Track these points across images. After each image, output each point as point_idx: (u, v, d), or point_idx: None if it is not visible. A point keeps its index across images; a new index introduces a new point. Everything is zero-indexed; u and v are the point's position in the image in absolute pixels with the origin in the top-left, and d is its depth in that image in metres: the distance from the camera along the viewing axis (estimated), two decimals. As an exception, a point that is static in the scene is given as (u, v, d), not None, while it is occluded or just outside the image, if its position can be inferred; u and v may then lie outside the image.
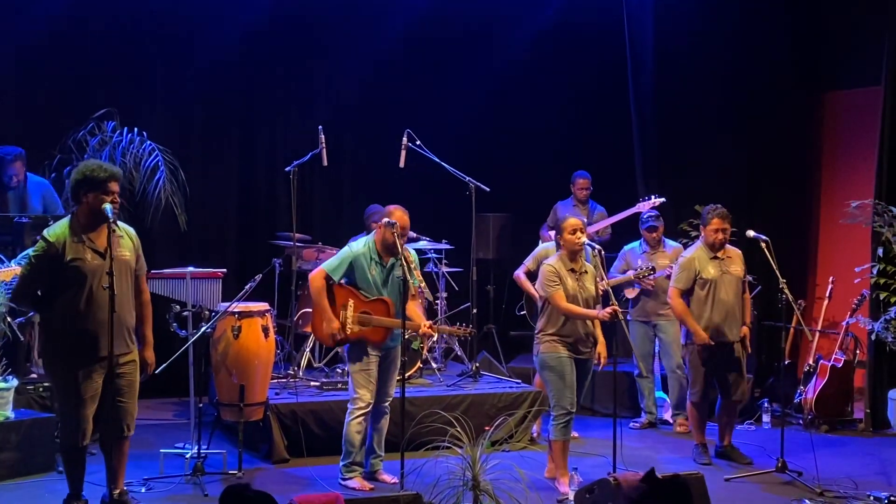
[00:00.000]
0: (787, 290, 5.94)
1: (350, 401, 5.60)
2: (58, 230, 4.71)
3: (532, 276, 6.77)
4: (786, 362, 7.36)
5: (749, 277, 6.49)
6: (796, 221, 8.70)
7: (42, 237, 4.71)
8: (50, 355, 4.80)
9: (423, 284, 5.34)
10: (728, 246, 6.29)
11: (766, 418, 7.43)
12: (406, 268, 5.38)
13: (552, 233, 7.85)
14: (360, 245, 5.54)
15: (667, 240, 7.36)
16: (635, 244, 7.37)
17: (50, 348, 4.79)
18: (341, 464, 5.66)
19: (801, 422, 7.42)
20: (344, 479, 5.62)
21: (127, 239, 4.87)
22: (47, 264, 4.65)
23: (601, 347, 5.64)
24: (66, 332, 4.66)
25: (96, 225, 4.72)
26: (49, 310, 4.73)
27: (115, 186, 4.72)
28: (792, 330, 7.78)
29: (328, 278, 5.47)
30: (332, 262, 5.47)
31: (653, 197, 7.73)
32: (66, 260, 4.64)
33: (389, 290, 5.59)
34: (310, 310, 6.55)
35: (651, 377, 7.33)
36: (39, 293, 4.74)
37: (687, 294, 6.25)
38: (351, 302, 5.45)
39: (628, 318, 7.31)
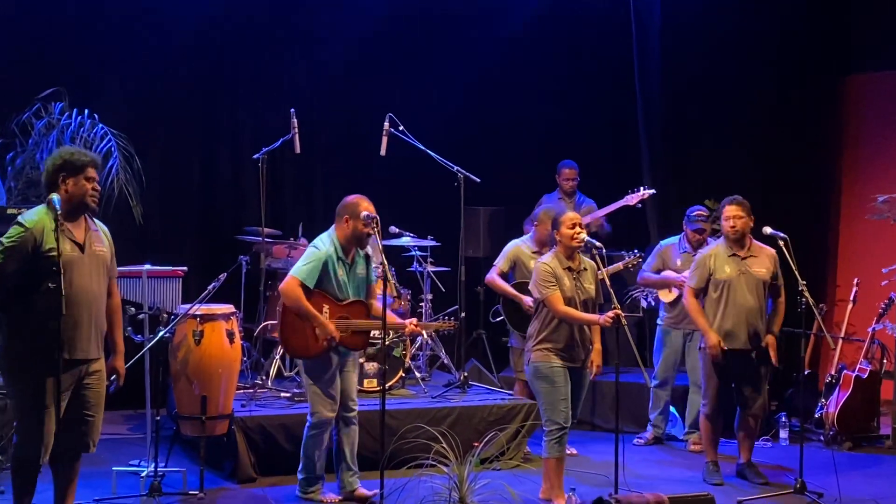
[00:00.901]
0: (806, 293, 5.95)
1: (311, 414, 5.60)
2: (35, 217, 4.62)
3: (505, 278, 6.78)
4: (805, 373, 7.38)
5: (781, 278, 6.38)
6: (817, 217, 8.75)
7: (18, 223, 4.62)
8: (14, 357, 4.62)
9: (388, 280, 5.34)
10: (758, 243, 6.27)
11: (783, 434, 7.47)
12: (366, 261, 5.40)
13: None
14: (326, 244, 5.52)
15: (711, 239, 7.22)
16: (674, 240, 7.33)
17: (16, 349, 4.60)
18: (299, 477, 5.68)
19: (821, 438, 7.45)
20: (305, 495, 5.65)
21: (103, 234, 4.83)
22: (23, 254, 4.55)
23: (595, 355, 5.64)
24: (38, 332, 4.50)
25: (76, 214, 4.67)
26: (19, 305, 4.58)
27: (94, 172, 4.69)
28: (812, 337, 7.82)
29: (303, 286, 5.43)
30: (303, 268, 5.42)
31: (642, 188, 7.79)
32: (44, 250, 4.54)
33: (355, 290, 5.58)
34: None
35: (669, 390, 7.34)
36: (9, 286, 4.56)
37: (703, 294, 6.28)
38: (326, 307, 5.45)
39: (658, 322, 7.32)
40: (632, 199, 7.72)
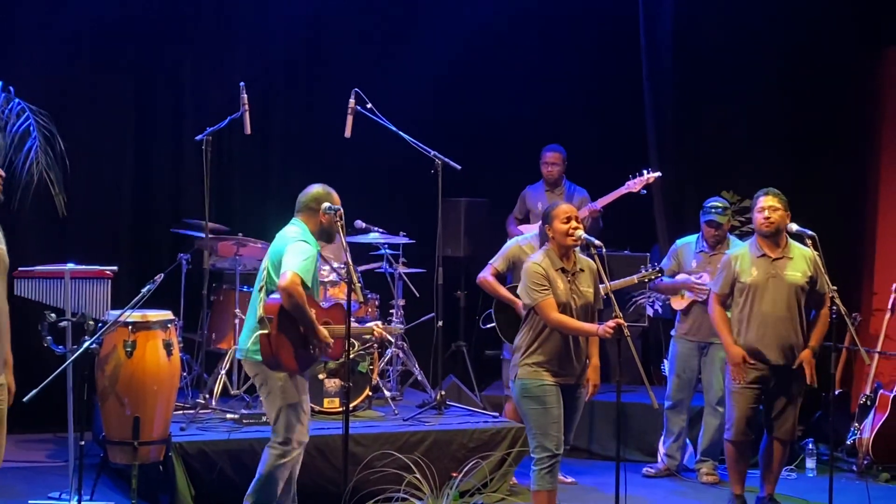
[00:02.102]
0: (838, 301, 5.96)
1: (280, 441, 5.54)
2: None
3: (502, 279, 6.77)
4: (836, 392, 7.41)
5: (827, 286, 6.27)
6: (850, 214, 8.78)
7: None
8: None
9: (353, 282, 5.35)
10: (796, 244, 6.26)
11: (810, 463, 7.51)
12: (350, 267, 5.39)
13: (526, 226, 7.86)
14: (309, 236, 5.54)
15: (735, 239, 7.27)
16: (691, 239, 7.29)
17: None
18: None
19: (854, 468, 7.50)
20: None
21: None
22: None
23: (591, 372, 5.65)
24: None
25: None
26: None
27: None
28: (844, 351, 7.85)
29: (303, 285, 5.40)
30: (303, 263, 5.39)
31: (646, 171, 7.75)
32: None
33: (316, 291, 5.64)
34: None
35: (685, 412, 7.30)
36: None
37: (729, 300, 6.31)
38: (313, 310, 5.47)
39: (672, 333, 7.33)
40: (634, 185, 7.68)
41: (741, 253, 6.31)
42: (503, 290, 6.66)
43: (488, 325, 7.05)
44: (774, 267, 6.19)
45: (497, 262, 6.76)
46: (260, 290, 5.52)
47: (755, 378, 6.21)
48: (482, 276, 6.80)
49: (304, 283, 5.34)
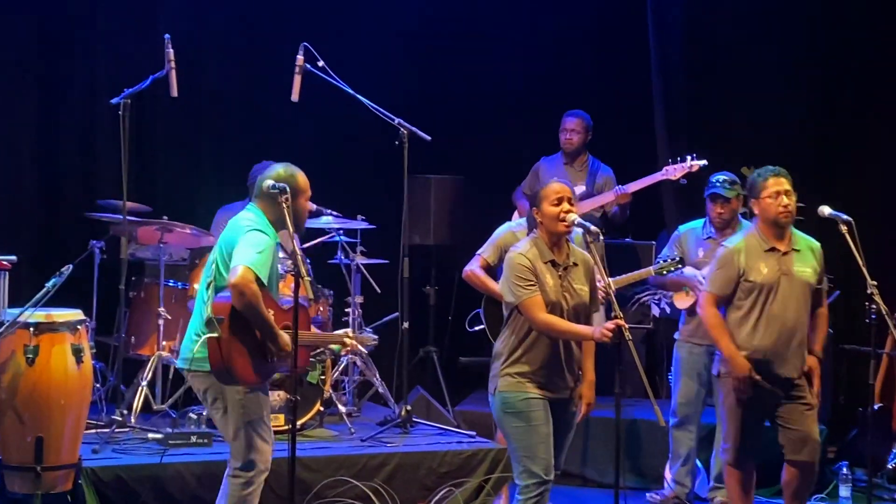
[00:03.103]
0: (878, 298, 5.97)
1: (241, 467, 5.51)
2: None
3: (492, 273, 6.75)
4: (875, 407, 7.43)
5: (826, 282, 6.42)
6: (891, 197, 8.82)
7: None
8: None
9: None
10: (798, 233, 6.30)
11: (844, 491, 7.51)
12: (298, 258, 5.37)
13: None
14: (264, 225, 5.50)
15: (746, 223, 7.17)
16: (696, 224, 7.32)
17: None
18: None
19: (896, 496, 7.55)
20: None
21: None
22: None
23: (585, 388, 5.61)
24: None
25: None
26: None
27: None
28: (885, 358, 7.86)
29: (258, 282, 5.36)
30: (258, 256, 5.36)
31: (689, 158, 7.74)
32: None
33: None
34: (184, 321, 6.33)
35: (695, 430, 7.31)
36: None
37: (727, 303, 6.28)
38: (271, 311, 5.45)
39: (675, 336, 7.33)
40: (673, 172, 7.70)
41: (743, 245, 6.25)
42: (494, 286, 6.61)
43: (476, 328, 7.06)
44: (785, 262, 6.17)
45: (486, 251, 6.75)
46: (208, 286, 5.51)
47: (761, 392, 6.19)
48: (469, 269, 6.79)
49: (258, 280, 5.33)
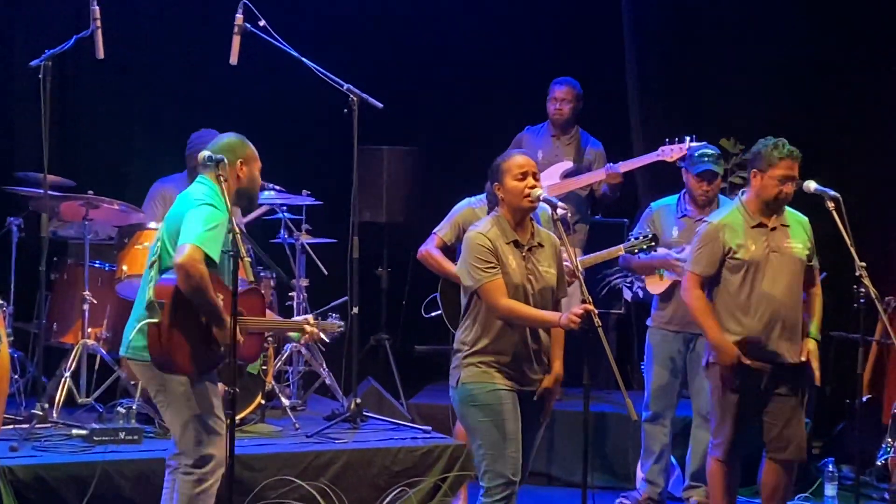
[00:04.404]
0: (867, 280, 5.99)
1: (192, 464, 5.47)
2: None
3: (451, 253, 6.74)
4: (864, 399, 7.45)
5: (816, 259, 6.42)
6: (882, 171, 8.84)
7: None
8: None
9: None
10: (788, 209, 6.29)
11: (829, 490, 7.52)
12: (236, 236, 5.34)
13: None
14: (216, 199, 5.47)
15: (726, 199, 7.25)
16: (670, 200, 7.32)
17: None
18: None
19: (886, 496, 7.52)
20: None
21: None
22: None
23: (549, 379, 5.57)
24: None
25: None
26: None
27: None
28: (875, 346, 7.90)
29: (207, 262, 5.34)
30: (207, 233, 5.33)
31: (687, 139, 7.68)
32: None
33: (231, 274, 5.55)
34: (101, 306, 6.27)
35: (669, 424, 7.32)
36: None
37: (711, 284, 6.29)
38: (221, 297, 5.42)
39: (648, 323, 7.33)
40: (669, 153, 7.66)
41: (729, 221, 6.27)
42: (452, 268, 6.60)
43: (432, 314, 7.07)
44: (774, 238, 6.21)
45: (443, 230, 6.76)
46: (151, 266, 5.48)
47: (751, 380, 6.21)
48: (424, 248, 6.79)
49: (208, 260, 5.29)
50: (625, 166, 7.84)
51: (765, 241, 6.20)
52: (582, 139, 8.13)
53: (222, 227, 5.39)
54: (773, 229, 6.22)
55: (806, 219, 6.27)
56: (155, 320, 5.29)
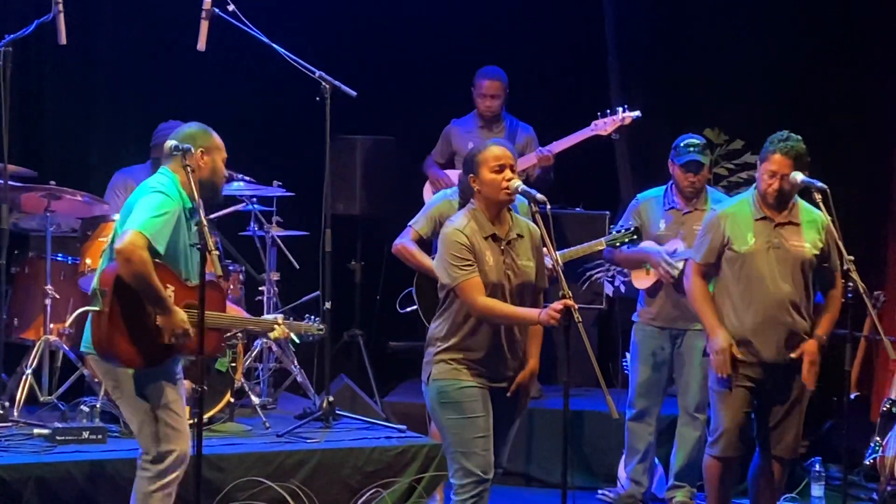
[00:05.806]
0: (855, 275, 6.00)
1: (151, 460, 5.49)
2: None
3: (427, 246, 6.75)
4: (851, 397, 7.47)
5: (837, 262, 6.31)
6: (871, 165, 8.91)
7: None
8: None
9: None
10: (807, 206, 6.28)
11: (816, 490, 7.58)
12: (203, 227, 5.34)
13: (452, 172, 7.86)
14: (172, 190, 5.49)
15: (717, 192, 7.30)
16: (657, 192, 7.33)
17: None
18: None
19: (874, 496, 7.57)
20: None
21: None
22: None
23: (523, 374, 5.57)
24: None
25: None
26: None
27: None
28: (863, 342, 7.94)
29: (151, 250, 5.34)
30: (153, 220, 5.34)
31: (620, 110, 7.78)
32: None
33: (195, 266, 5.57)
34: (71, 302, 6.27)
35: (654, 423, 7.35)
36: None
37: (713, 272, 6.33)
38: (171, 289, 5.41)
39: (634, 318, 7.35)
40: (603, 127, 7.71)
41: (734, 211, 6.31)
42: (428, 262, 6.62)
43: (408, 309, 7.07)
44: (777, 234, 6.22)
45: (419, 223, 6.76)
46: (104, 256, 5.55)
47: (747, 374, 6.26)
48: (399, 242, 6.79)
49: (152, 248, 5.29)
50: (557, 146, 7.88)
51: (767, 236, 6.21)
52: (510, 126, 8.15)
53: (171, 216, 5.40)
54: (780, 225, 6.23)
55: (824, 218, 6.17)
56: (96, 308, 5.30)
